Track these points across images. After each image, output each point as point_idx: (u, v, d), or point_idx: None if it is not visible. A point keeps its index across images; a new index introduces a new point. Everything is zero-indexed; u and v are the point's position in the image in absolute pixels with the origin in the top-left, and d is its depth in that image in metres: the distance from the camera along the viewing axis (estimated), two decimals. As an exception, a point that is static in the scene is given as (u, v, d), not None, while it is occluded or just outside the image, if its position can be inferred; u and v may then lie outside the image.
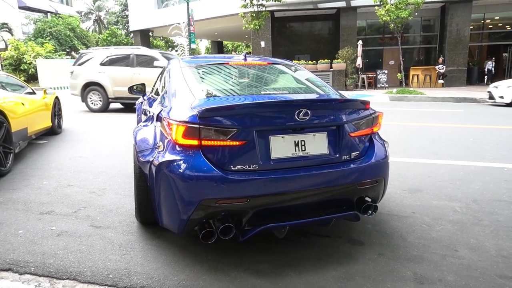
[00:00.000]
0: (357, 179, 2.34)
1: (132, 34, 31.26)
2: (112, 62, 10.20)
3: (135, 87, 4.27)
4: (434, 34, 19.63)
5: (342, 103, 2.50)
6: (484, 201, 3.28)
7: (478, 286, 2.03)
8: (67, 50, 31.91)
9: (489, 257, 2.34)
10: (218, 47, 37.08)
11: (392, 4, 14.22)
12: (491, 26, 19.95)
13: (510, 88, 11.14)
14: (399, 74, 15.82)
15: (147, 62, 10.01)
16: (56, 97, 6.90)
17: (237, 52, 38.12)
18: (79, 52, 11.72)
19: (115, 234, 2.66)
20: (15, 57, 23.33)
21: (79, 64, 10.58)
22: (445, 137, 6.28)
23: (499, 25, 19.93)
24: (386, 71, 17.90)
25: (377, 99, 13.39)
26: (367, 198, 2.45)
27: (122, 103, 10.74)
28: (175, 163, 2.13)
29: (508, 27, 19.82)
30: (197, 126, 2.09)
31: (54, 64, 24.45)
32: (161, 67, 8.73)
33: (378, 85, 17.64)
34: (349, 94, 13.33)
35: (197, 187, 2.07)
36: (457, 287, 2.02)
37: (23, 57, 23.42)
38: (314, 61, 17.29)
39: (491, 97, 11.75)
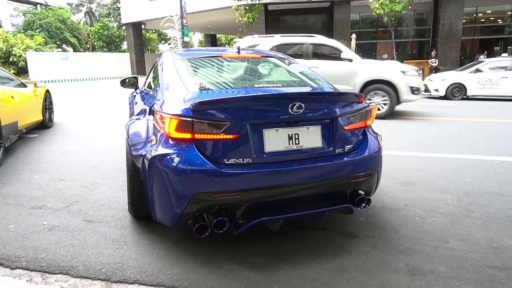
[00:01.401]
0: (351, 172, 2.34)
1: (124, 27, 30.86)
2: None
3: (127, 80, 4.23)
4: (427, 28, 19.70)
5: (335, 96, 2.50)
6: (475, 194, 3.32)
7: (468, 277, 2.06)
8: (58, 42, 31.45)
9: (479, 248, 2.37)
10: (212, 40, 36.83)
11: (385, -2, 14.21)
12: (483, 20, 20.07)
13: (444, 81, 11.51)
14: (392, 67, 15.82)
15: (327, 53, 8.09)
16: (47, 91, 6.80)
17: (230, 45, 37.90)
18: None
19: (108, 228, 2.65)
20: (4, 49, 22.95)
21: None
22: (438, 130, 6.33)
23: (491, 18, 20.06)
24: (379, 65, 17.90)
25: (371, 92, 13.40)
26: (360, 191, 2.46)
27: None
28: (168, 157, 2.11)
29: (500, 21, 19.95)
30: (190, 119, 2.07)
31: (45, 57, 24.11)
32: (348, 60, 7.75)
33: (372, 79, 17.65)
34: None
35: (190, 181, 2.06)
36: (449, 278, 2.05)
37: (13, 50, 23.05)
38: (307, 55, 17.23)
39: (426, 90, 12.11)
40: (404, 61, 18.69)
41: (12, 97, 4.95)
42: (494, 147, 5.05)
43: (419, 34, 20.37)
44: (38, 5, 37.70)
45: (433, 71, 17.20)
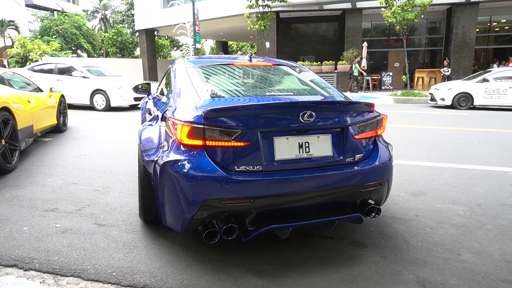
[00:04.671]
0: (361, 181, 2.34)
1: (137, 33, 31.38)
2: None
3: (140, 86, 4.30)
4: (440, 37, 19.54)
5: (346, 105, 2.50)
6: (488, 205, 3.27)
7: (480, 291, 2.03)
8: (73, 48, 32.10)
9: (492, 261, 2.33)
10: (223, 47, 37.12)
11: (398, 6, 14.17)
12: (497, 29, 19.83)
13: (450, 90, 11.35)
14: (404, 76, 15.76)
15: None
16: (62, 95, 6.95)
17: (242, 52, 38.11)
18: None
19: (118, 232, 2.68)
20: (21, 54, 23.52)
21: None
22: (450, 140, 6.25)
23: (506, 28, 19.80)
24: (391, 73, 17.85)
25: (382, 101, 13.37)
26: (370, 201, 2.45)
27: None
28: (179, 163, 2.14)
29: (514, 30, 19.68)
30: (202, 126, 2.10)
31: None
32: None
33: (383, 87, 17.59)
34: (353, 96, 13.31)
35: (201, 187, 2.08)
36: (460, 291, 2.02)
37: (29, 55, 23.61)
38: (318, 62, 17.28)
39: (432, 98, 11.99)
40: (417, 69, 18.59)
41: (28, 102, 5.07)
42: (508, 158, 4.96)
43: (432, 42, 20.21)
44: (55, 12, 38.59)
45: (446, 80, 17.04)
